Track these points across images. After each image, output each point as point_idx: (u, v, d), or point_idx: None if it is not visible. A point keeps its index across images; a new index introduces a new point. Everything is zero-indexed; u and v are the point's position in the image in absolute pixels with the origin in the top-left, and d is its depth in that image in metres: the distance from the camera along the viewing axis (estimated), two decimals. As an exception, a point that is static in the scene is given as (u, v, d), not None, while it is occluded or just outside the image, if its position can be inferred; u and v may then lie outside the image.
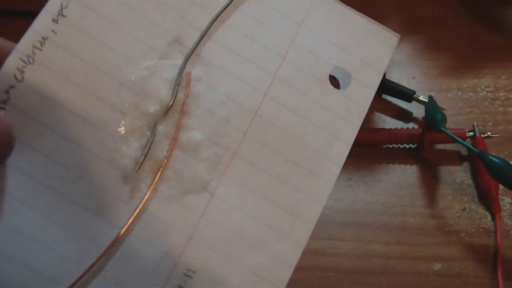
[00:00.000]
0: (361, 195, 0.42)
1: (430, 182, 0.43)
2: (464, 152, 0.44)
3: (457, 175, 0.43)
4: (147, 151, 0.26)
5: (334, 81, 0.30)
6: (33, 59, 0.25)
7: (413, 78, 0.48)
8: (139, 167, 0.25)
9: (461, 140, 0.40)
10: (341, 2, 0.30)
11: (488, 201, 0.41)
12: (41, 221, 0.25)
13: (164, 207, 0.26)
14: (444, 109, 0.44)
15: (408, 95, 0.46)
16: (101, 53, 0.26)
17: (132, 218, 0.25)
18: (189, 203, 0.26)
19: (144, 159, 0.26)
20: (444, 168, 0.43)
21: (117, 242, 0.25)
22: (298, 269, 0.39)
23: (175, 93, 0.26)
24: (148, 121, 0.26)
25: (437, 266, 0.39)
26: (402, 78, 0.48)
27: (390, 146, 0.45)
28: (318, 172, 0.28)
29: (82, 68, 0.26)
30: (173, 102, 0.26)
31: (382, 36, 0.30)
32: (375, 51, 0.30)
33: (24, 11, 0.46)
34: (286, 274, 0.27)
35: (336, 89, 0.29)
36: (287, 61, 0.29)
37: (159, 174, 0.26)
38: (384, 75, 0.47)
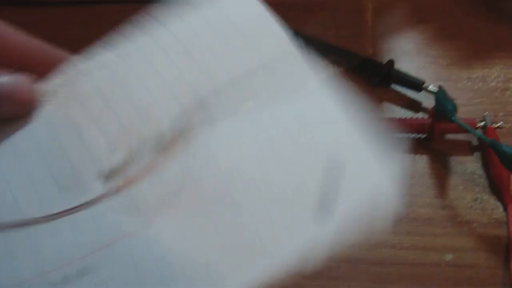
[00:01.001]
0: (370, 185, 0.41)
1: (441, 172, 0.42)
2: (474, 142, 0.44)
3: (468, 165, 0.42)
4: (124, 164, 0.27)
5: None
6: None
7: (422, 67, 0.48)
8: (109, 174, 0.27)
9: (473, 130, 0.40)
10: None
11: (499, 191, 0.41)
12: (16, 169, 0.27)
13: (104, 213, 0.27)
14: (454, 99, 0.44)
15: (417, 85, 0.45)
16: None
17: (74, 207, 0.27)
18: (122, 221, 0.27)
19: (116, 170, 0.27)
20: (455, 158, 0.43)
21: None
22: (308, 258, 0.38)
23: (173, 131, 0.28)
24: (140, 141, 0.28)
25: (448, 257, 0.38)
26: (411, 68, 0.47)
27: (400, 135, 0.44)
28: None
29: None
30: (166, 139, 0.28)
31: None
32: None
33: (20, 0, 0.45)
34: None
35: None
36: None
37: (119, 185, 0.27)
38: (393, 65, 0.46)
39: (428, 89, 0.45)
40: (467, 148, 0.43)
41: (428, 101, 0.46)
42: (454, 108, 0.41)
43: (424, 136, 0.44)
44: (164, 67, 0.29)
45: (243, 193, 0.28)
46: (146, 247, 0.27)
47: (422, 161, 0.42)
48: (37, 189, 0.27)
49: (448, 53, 0.49)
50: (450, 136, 0.44)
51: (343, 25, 0.51)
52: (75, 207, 0.27)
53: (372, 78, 0.47)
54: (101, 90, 0.28)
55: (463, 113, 0.44)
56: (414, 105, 0.46)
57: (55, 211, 0.27)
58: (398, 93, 0.47)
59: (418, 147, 0.43)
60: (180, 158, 0.28)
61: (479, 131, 0.42)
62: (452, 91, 0.46)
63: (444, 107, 0.42)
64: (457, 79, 0.47)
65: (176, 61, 0.29)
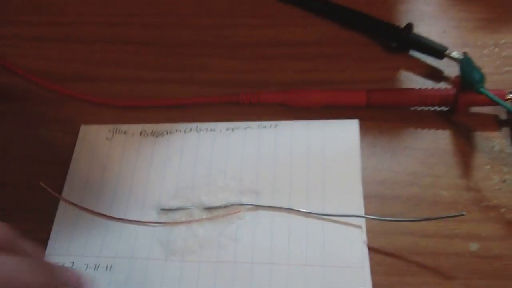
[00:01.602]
0: (387, 163, 0.37)
1: (465, 150, 0.38)
2: (502, 116, 0.39)
3: (496, 142, 0.38)
4: (177, 209, 0.36)
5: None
6: None
7: (444, 32, 0.44)
8: (163, 211, 0.37)
9: (504, 102, 0.35)
10: None
11: (530, 172, 0.36)
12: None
13: (145, 234, 0.36)
14: (480, 68, 0.39)
15: (439, 52, 0.41)
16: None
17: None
18: (153, 247, 0.36)
19: (169, 210, 0.37)
20: (480, 134, 0.38)
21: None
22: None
23: (226, 204, 0.36)
24: (195, 201, 0.37)
25: (474, 246, 0.34)
26: (432, 32, 0.43)
27: (419, 108, 0.40)
28: None
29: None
30: (217, 207, 0.36)
31: None
32: None
33: None
34: None
35: None
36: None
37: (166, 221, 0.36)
38: (412, 29, 0.42)
39: (451, 56, 0.41)
40: (494, 123, 0.39)
41: (450, 70, 0.41)
42: (482, 78, 0.37)
43: (446, 109, 0.39)
44: (246, 158, 0.38)
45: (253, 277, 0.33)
46: (157, 272, 0.34)
47: (444, 137, 0.38)
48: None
49: (473, 16, 0.44)
50: (474, 109, 0.40)
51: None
52: (132, 220, 0.36)
53: (389, 43, 0.43)
54: (200, 148, 0.39)
55: (489, 83, 0.39)
56: (436, 74, 0.42)
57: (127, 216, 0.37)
58: (417, 60, 0.43)
59: (440, 121, 0.39)
60: (223, 225, 0.35)
61: (508, 104, 0.38)
62: (477, 58, 0.41)
63: (470, 77, 0.37)
64: (483, 45, 0.43)
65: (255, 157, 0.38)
